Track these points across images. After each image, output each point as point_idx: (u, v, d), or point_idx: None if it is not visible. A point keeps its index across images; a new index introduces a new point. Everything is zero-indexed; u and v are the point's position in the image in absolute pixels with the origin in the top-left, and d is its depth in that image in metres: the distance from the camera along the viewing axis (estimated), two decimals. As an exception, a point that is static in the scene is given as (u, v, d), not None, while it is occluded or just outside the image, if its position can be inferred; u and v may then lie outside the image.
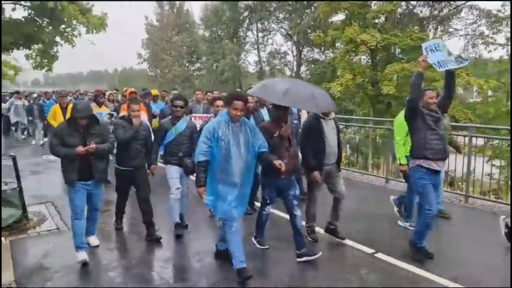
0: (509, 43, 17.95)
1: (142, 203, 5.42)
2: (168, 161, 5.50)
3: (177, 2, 42.25)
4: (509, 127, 8.30)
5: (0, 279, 4.19)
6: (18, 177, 6.07)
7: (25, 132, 16.93)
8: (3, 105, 17.82)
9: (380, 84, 17.64)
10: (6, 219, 5.70)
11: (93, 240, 5.23)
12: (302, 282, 4.38)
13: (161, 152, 5.78)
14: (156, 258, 5.05)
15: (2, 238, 5.30)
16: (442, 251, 5.12)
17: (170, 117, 5.59)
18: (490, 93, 17.05)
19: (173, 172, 5.48)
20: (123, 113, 7.14)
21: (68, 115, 8.97)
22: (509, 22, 18.00)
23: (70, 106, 9.29)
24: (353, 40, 17.64)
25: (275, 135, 4.52)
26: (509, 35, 17.80)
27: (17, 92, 17.76)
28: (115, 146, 5.54)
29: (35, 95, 18.43)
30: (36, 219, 6.24)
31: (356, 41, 17.46)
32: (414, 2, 22.30)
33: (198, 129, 5.60)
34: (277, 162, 4.20)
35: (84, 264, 4.62)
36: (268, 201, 4.87)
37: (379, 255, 4.98)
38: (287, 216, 4.91)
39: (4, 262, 4.72)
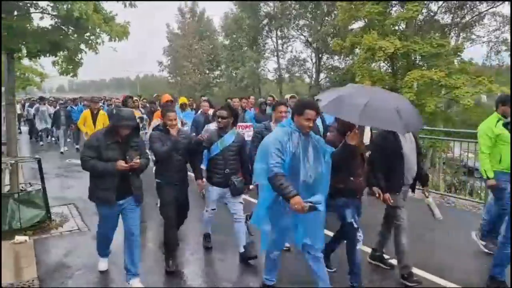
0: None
1: (179, 223, 5.00)
2: (211, 178, 4.90)
3: (198, 11, 42.93)
4: None
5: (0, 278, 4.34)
6: (42, 179, 6.31)
7: (49, 138, 16.96)
8: (30, 110, 18.13)
9: (400, 91, 17.51)
10: (31, 219, 5.95)
11: (137, 283, 4.21)
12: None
13: (203, 166, 5.38)
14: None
15: (26, 237, 5.53)
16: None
17: (216, 128, 5.02)
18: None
19: (212, 194, 4.93)
20: (155, 122, 6.95)
21: (100, 122, 9.27)
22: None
23: (102, 113, 9.62)
24: (371, 48, 17.59)
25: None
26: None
27: (42, 98, 17.74)
28: (153, 160, 5.36)
29: (62, 101, 18.33)
30: (58, 220, 6.47)
31: (374, 48, 17.40)
32: (435, 9, 22.14)
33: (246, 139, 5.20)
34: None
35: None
36: (356, 226, 3.97)
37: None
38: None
39: (27, 260, 4.93)
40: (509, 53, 18.77)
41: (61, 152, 13.90)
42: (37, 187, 6.38)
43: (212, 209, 5.03)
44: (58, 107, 15.46)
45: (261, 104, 9.92)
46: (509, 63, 19.85)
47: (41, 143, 16.52)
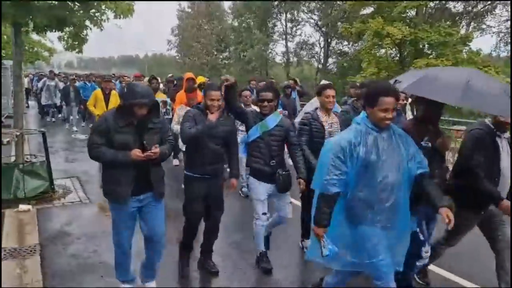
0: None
1: (211, 228, 4.04)
2: (256, 171, 4.01)
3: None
4: None
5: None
6: (46, 151, 6.50)
7: (57, 115, 16.28)
8: (38, 84, 17.37)
9: (406, 79, 17.44)
10: (34, 189, 6.18)
11: (153, 285, 3.66)
12: None
13: (242, 154, 4.50)
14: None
15: (30, 206, 5.77)
16: None
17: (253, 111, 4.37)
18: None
19: (261, 191, 4.00)
20: (181, 108, 5.93)
21: (112, 104, 8.23)
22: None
23: (114, 93, 8.72)
24: (378, 33, 17.53)
25: (423, 144, 3.09)
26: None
27: (51, 72, 17.04)
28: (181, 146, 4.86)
29: (72, 76, 17.12)
30: (61, 191, 6.71)
31: (381, 33, 17.33)
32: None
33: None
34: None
35: None
36: (423, 238, 3.30)
37: None
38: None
39: (30, 227, 5.16)
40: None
41: (75, 131, 13.29)
42: (41, 159, 6.60)
43: (264, 214, 4.00)
44: (68, 83, 14.78)
45: (285, 87, 9.30)
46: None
47: (47, 118, 16.08)
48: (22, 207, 5.69)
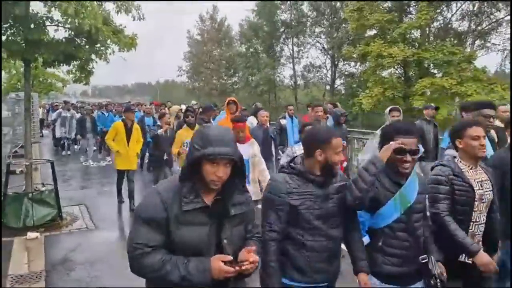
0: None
1: None
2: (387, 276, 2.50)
3: (219, 18, 43.75)
4: None
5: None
6: (55, 180, 6.77)
7: (73, 147, 15.06)
8: (52, 115, 16.52)
9: (412, 98, 17.60)
10: (43, 217, 6.42)
11: None
12: None
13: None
14: None
15: (38, 234, 5.98)
16: None
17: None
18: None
19: None
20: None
21: (134, 138, 7.54)
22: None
23: (136, 127, 7.69)
24: (380, 55, 17.86)
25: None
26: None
27: (66, 102, 16.84)
28: None
29: (89, 106, 15.88)
30: (69, 219, 6.93)
31: (383, 55, 17.64)
32: (449, 15, 22.15)
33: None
34: None
35: None
36: None
37: None
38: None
39: (37, 254, 5.37)
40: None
41: (91, 164, 12.39)
42: (50, 187, 6.85)
43: None
44: (85, 112, 13.34)
45: (342, 115, 7.19)
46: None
47: (62, 152, 14.78)
48: (30, 234, 5.92)
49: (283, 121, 8.39)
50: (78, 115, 14.05)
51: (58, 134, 14.68)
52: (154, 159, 7.69)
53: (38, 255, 5.35)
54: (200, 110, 8.71)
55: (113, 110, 15.01)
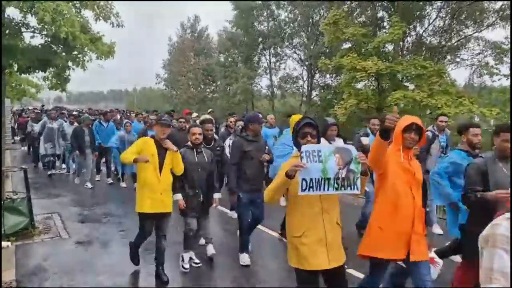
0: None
1: None
2: None
3: (199, 28, 43.88)
4: None
5: (0, 280, 4.67)
6: (27, 188, 6.66)
7: (60, 163, 12.47)
8: (34, 126, 12.99)
9: (385, 110, 18.11)
10: (14, 225, 6.28)
11: None
12: None
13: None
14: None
15: (9, 243, 5.87)
16: None
17: None
18: (492, 122, 17.29)
19: None
20: None
21: (168, 166, 4.74)
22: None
23: (172, 152, 4.76)
24: (353, 68, 18.38)
25: None
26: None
27: (56, 109, 13.90)
28: None
29: (87, 115, 12.94)
30: (42, 227, 6.81)
31: (357, 68, 18.17)
32: (421, 31, 22.98)
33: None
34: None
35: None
36: None
37: None
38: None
39: (8, 263, 5.26)
40: (490, 76, 19.48)
41: (90, 187, 10.20)
42: (22, 195, 6.73)
43: None
44: (81, 123, 10.48)
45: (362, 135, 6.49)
46: (490, 85, 20.54)
47: (48, 172, 11.60)
48: (1, 244, 5.78)
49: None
50: (66, 125, 11.54)
51: (42, 151, 11.48)
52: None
53: (9, 264, 5.25)
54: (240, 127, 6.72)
55: (115, 119, 11.81)
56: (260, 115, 6.12)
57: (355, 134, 7.07)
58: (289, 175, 2.77)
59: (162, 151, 4.71)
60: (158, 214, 4.71)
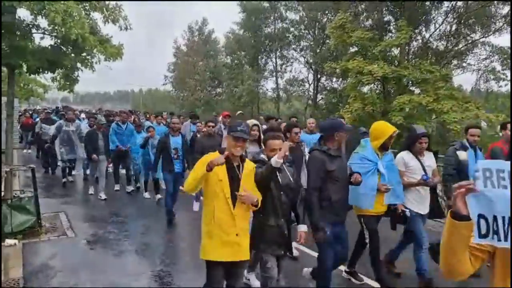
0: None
1: None
2: None
3: (207, 31, 44.08)
4: None
5: (0, 280, 4.74)
6: (35, 187, 6.75)
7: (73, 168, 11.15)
8: (46, 127, 12.09)
9: (390, 114, 18.06)
10: (22, 224, 6.38)
11: None
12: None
13: None
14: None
15: (16, 241, 5.96)
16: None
17: None
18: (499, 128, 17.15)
19: None
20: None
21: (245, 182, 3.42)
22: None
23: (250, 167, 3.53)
24: (359, 72, 18.41)
25: None
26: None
27: (68, 110, 12.74)
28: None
29: (101, 116, 11.41)
30: (48, 226, 6.90)
31: (363, 72, 18.19)
32: (428, 35, 22.92)
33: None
34: None
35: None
36: None
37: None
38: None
39: (15, 261, 5.35)
40: (497, 82, 19.39)
41: (103, 198, 9.00)
42: (30, 194, 6.82)
43: None
44: (94, 127, 9.52)
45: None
46: (496, 90, 20.45)
47: (64, 179, 10.51)
48: (8, 241, 5.90)
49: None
50: (82, 125, 10.75)
51: (62, 157, 10.28)
52: None
53: (16, 262, 5.34)
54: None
55: (135, 121, 10.64)
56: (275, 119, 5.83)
57: (359, 134, 6.91)
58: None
59: (235, 174, 3.40)
60: (232, 263, 3.40)
